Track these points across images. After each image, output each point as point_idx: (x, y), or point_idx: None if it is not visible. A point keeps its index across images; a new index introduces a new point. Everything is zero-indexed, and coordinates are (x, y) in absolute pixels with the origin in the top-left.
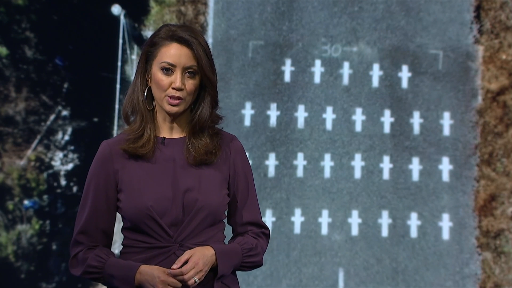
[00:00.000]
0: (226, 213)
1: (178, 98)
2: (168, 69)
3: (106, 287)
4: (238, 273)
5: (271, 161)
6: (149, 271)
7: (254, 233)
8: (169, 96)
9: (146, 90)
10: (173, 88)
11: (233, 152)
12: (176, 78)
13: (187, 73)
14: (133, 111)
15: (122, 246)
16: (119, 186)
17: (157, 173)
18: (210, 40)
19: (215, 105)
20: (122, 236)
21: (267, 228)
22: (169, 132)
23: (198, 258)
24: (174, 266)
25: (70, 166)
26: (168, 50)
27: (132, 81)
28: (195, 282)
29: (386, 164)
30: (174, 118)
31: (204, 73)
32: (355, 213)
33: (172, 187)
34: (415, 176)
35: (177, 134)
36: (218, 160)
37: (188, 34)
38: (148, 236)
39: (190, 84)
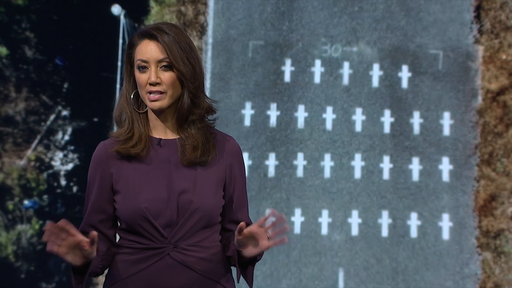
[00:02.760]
0: None
1: (158, 92)
2: (143, 67)
3: (104, 286)
4: None
5: (271, 161)
6: None
7: None
8: (148, 93)
9: (133, 92)
10: (150, 84)
11: (230, 153)
12: (151, 73)
13: (162, 67)
14: (124, 114)
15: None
16: (115, 188)
17: (152, 174)
18: (210, 40)
19: (194, 96)
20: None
21: None
22: (163, 132)
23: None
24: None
25: (70, 166)
26: (140, 48)
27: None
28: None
29: (386, 164)
30: (164, 116)
31: (173, 64)
32: (355, 213)
33: (167, 188)
34: (415, 176)
35: (171, 134)
36: (214, 161)
37: (156, 28)
38: (143, 237)
39: (167, 76)
